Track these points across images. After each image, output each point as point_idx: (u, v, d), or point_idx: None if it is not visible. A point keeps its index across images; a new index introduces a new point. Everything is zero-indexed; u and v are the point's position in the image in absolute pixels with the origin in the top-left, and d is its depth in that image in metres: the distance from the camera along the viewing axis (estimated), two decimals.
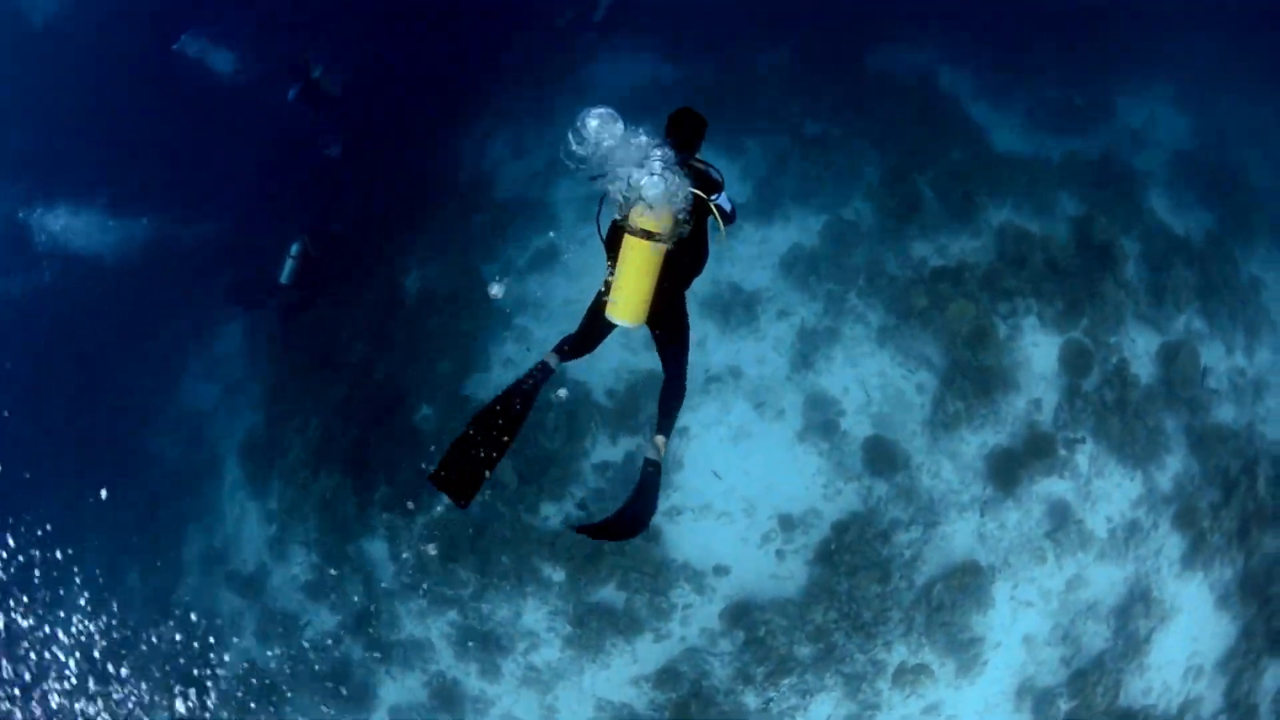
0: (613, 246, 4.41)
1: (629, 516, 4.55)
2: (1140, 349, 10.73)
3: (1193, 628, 9.98)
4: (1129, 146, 12.57)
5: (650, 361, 10.38)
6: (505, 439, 4.49)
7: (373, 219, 12.67)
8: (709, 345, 10.49)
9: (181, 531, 12.73)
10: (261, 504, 11.84)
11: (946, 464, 9.90)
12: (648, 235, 4.21)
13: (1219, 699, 9.77)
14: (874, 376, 10.15)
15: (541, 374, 4.59)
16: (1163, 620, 9.85)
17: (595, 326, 4.66)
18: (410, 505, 10.42)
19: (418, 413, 11.02)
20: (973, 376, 9.96)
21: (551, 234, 11.71)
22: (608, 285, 4.44)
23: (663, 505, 10.04)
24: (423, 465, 10.48)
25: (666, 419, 4.71)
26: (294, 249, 11.63)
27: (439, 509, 10.40)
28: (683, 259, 4.47)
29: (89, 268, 14.34)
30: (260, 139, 15.05)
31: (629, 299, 4.34)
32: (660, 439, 4.64)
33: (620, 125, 3.99)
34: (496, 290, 10.55)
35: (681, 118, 4.59)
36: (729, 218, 4.55)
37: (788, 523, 9.77)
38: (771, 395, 10.14)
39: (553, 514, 10.10)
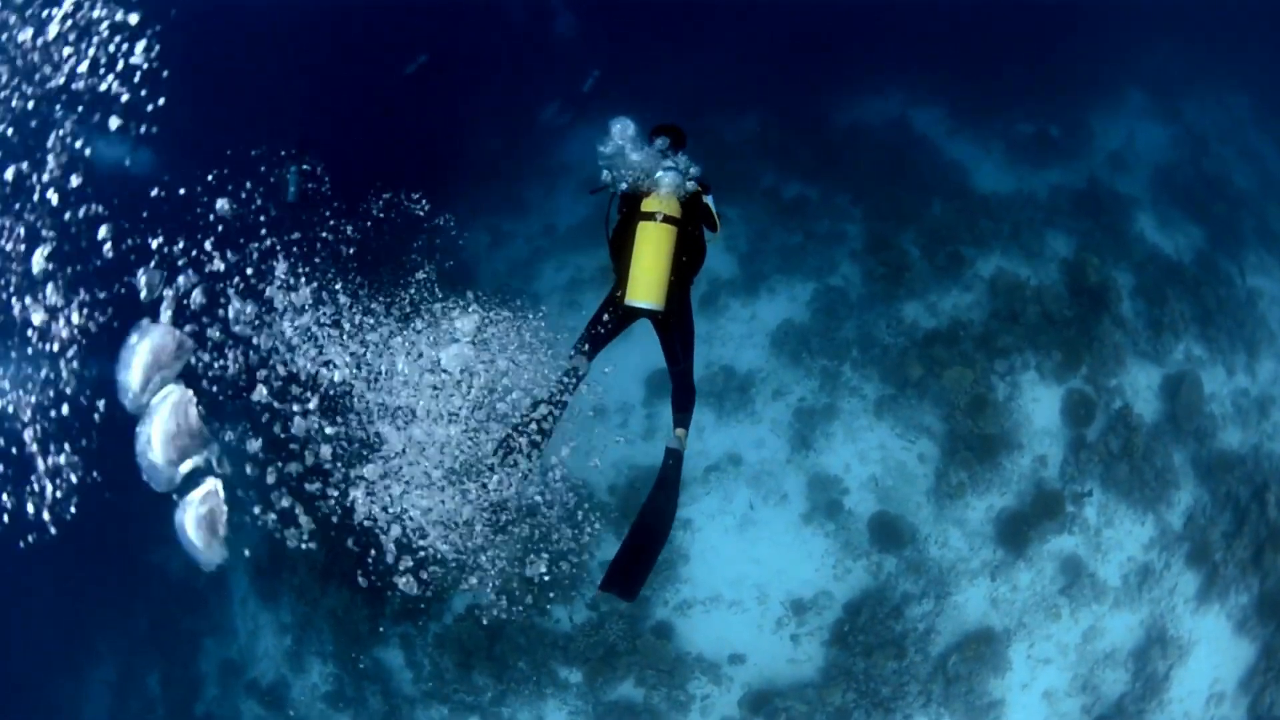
0: (618, 248, 4.85)
1: (650, 518, 4.67)
2: (1142, 386, 10.60)
3: (1213, 657, 9.98)
4: (1111, 170, 12.33)
5: (651, 457, 10.23)
6: (544, 438, 4.69)
7: None
8: (706, 434, 10.34)
9: (197, 643, 12.68)
10: (275, 617, 11.76)
11: (954, 532, 9.81)
12: (663, 219, 4.70)
13: (1243, 718, 9.78)
14: (874, 450, 10.01)
15: (575, 379, 4.74)
16: (1181, 656, 9.84)
17: (609, 323, 4.86)
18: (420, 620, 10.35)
19: None
20: (974, 443, 9.84)
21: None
22: (616, 297, 4.78)
23: (672, 600, 9.98)
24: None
25: (683, 413, 4.92)
26: (291, 170, 11.29)
27: (449, 619, 10.33)
28: (687, 250, 4.86)
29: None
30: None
31: (648, 281, 4.67)
32: (680, 431, 4.87)
33: (633, 130, 4.90)
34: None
35: (666, 129, 5.12)
36: (717, 220, 5.08)
37: (800, 606, 9.69)
38: (773, 480, 10.01)
39: (563, 616, 10.03)
